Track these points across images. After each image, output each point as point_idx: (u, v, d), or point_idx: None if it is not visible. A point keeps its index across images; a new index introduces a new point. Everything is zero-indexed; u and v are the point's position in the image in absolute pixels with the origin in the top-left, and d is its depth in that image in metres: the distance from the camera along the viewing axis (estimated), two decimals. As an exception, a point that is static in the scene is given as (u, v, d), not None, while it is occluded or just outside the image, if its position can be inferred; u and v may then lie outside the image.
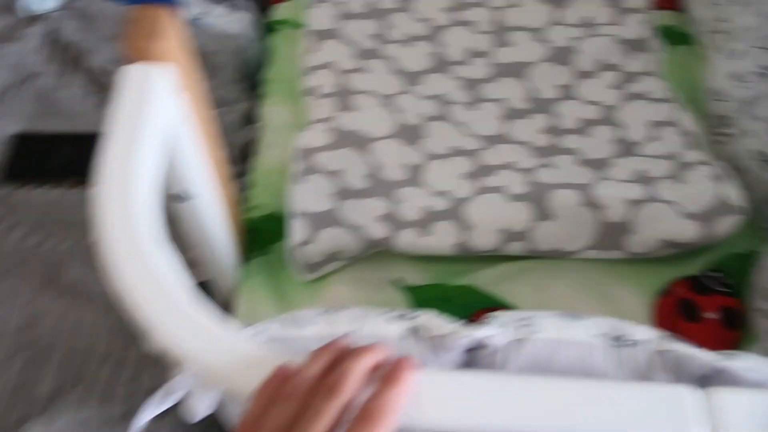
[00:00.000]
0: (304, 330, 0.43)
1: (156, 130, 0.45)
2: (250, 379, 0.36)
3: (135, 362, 0.72)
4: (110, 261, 0.40)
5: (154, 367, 0.72)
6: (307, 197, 0.76)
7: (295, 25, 1.01)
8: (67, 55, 0.97)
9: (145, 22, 0.46)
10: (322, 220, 0.74)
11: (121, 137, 0.43)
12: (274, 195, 0.82)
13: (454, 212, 0.74)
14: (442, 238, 0.74)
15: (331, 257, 0.74)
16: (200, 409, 0.40)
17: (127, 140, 0.43)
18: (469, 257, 0.76)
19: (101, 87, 0.94)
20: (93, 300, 0.76)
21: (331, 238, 0.73)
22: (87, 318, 0.75)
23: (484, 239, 0.74)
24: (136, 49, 0.45)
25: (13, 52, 0.96)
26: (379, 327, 0.43)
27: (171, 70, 0.47)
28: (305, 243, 0.73)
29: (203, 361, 0.37)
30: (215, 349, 0.36)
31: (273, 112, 0.91)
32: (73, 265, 0.78)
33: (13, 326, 0.74)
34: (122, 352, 0.72)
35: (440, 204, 0.75)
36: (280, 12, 1.04)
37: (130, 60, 0.46)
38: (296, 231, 0.74)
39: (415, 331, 0.43)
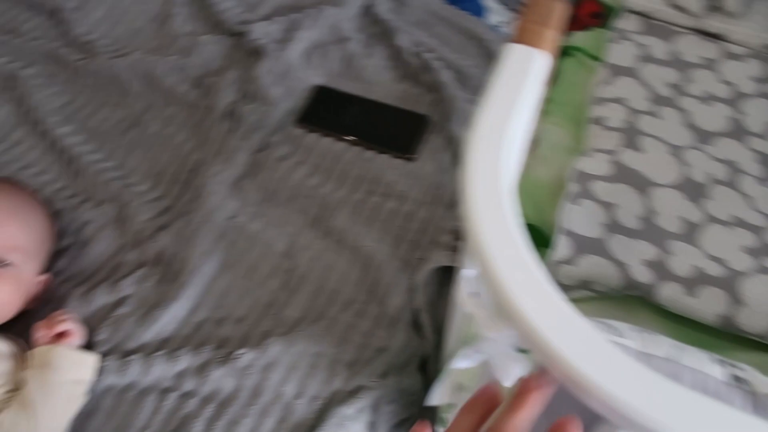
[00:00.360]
0: (623, 340, 0.42)
1: (526, 113, 0.46)
2: (591, 367, 0.36)
3: (372, 318, 0.75)
4: (478, 233, 0.42)
5: (387, 330, 0.75)
6: (577, 219, 0.75)
7: (591, 55, 1.01)
8: (376, 29, 1.05)
9: (541, 7, 0.48)
10: (588, 245, 0.73)
11: (497, 112, 0.45)
12: (536, 208, 0.83)
13: (727, 283, 0.70)
14: (707, 304, 0.70)
15: (584, 284, 0.73)
16: (509, 376, 0.41)
17: (502, 116, 0.45)
18: (726, 333, 0.71)
19: (399, 63, 1.01)
20: (349, 250, 0.81)
21: (592, 266, 0.72)
22: (339, 264, 0.80)
23: (753, 321, 0.69)
24: (526, 30, 0.48)
25: (333, 14, 1.05)
26: (701, 364, 0.41)
27: (549, 60, 0.48)
28: (565, 262, 0.73)
29: (548, 335, 0.37)
30: (564, 330, 0.37)
31: (551, 130, 0.92)
32: (341, 213, 0.84)
33: (277, 250, 0.81)
34: (363, 305, 0.76)
35: (714, 269, 0.71)
36: (577, 39, 1.05)
37: (516, 39, 0.49)
38: (560, 248, 0.73)
39: (739, 381, 0.41)
